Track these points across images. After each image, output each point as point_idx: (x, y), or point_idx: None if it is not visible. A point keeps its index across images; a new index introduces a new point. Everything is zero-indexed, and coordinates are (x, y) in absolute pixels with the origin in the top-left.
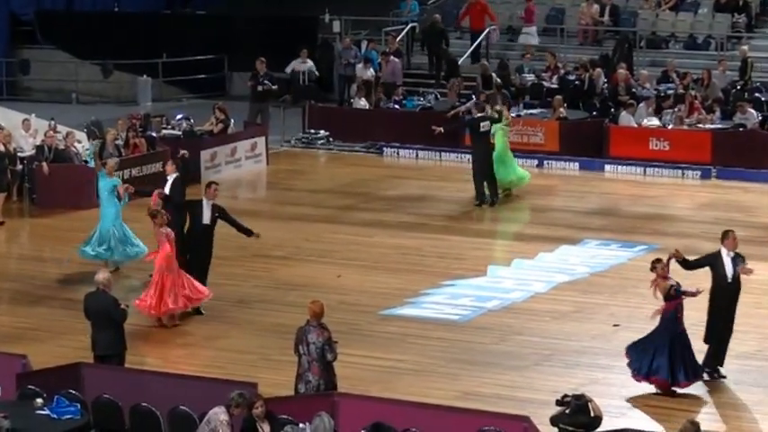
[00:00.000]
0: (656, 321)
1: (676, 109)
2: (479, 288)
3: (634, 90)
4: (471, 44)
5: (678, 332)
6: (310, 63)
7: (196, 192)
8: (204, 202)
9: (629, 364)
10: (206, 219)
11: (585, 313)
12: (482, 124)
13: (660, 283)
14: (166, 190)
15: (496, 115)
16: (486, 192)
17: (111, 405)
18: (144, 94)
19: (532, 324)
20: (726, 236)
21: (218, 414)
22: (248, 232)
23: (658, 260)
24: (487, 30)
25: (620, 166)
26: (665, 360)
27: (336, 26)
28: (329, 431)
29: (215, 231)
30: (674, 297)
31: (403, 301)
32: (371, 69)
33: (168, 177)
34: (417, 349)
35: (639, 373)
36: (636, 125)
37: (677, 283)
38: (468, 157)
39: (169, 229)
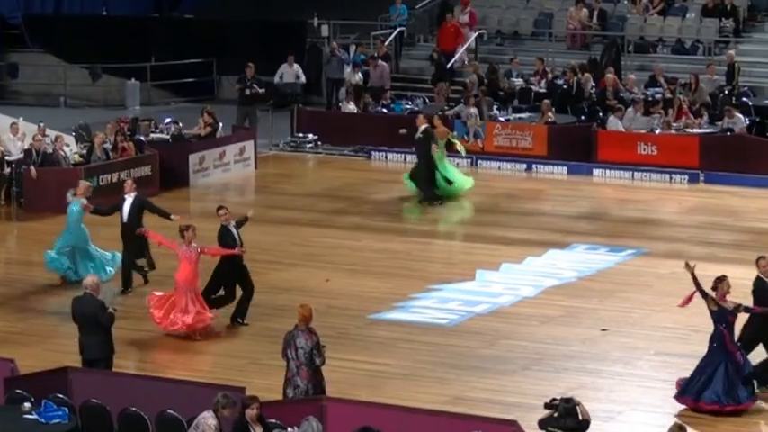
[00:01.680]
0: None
1: (664, 113)
2: (468, 292)
3: (622, 94)
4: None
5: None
6: (297, 67)
7: (184, 195)
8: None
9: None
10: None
11: (574, 317)
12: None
13: (721, 301)
14: (125, 209)
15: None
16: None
17: (100, 409)
18: (132, 98)
19: (521, 328)
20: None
21: (207, 418)
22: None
23: (723, 277)
24: (476, 33)
25: (608, 171)
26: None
27: (325, 30)
28: None
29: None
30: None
31: (391, 306)
32: (360, 74)
33: (127, 197)
34: (406, 353)
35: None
36: (624, 130)
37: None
38: (458, 161)
39: (197, 247)
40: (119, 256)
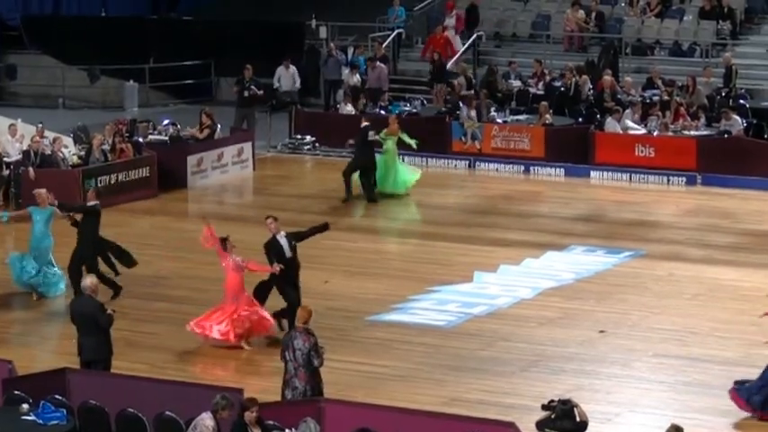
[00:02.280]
0: None
1: (661, 115)
2: (465, 294)
3: (619, 96)
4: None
5: None
6: (293, 70)
7: (182, 196)
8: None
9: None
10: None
11: (571, 319)
12: (369, 133)
13: None
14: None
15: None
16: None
17: (98, 410)
18: (130, 100)
19: (518, 330)
20: None
21: (205, 420)
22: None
23: None
24: (475, 35)
25: (605, 173)
26: None
27: (323, 32)
28: None
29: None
30: None
31: (389, 307)
32: (357, 75)
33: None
34: (403, 355)
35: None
36: (621, 131)
37: None
38: (455, 162)
39: (240, 259)
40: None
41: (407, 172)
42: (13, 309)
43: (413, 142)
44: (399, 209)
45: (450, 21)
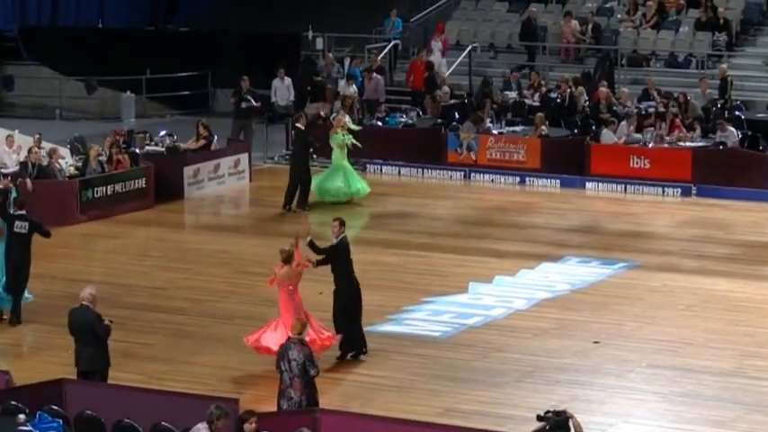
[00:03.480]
0: None
1: (657, 127)
2: (461, 305)
3: (615, 108)
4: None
5: None
6: (288, 81)
7: (179, 207)
8: None
9: None
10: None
11: (566, 330)
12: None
13: None
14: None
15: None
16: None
17: (94, 421)
18: (127, 111)
19: (513, 341)
20: None
21: (201, 430)
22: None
23: None
24: (470, 46)
25: (601, 184)
26: None
27: (319, 43)
28: None
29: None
30: None
31: (384, 318)
32: (354, 86)
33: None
34: (399, 366)
35: None
36: (620, 143)
37: None
38: (451, 173)
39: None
40: None
41: (358, 179)
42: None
43: (355, 128)
44: (395, 220)
45: (437, 44)
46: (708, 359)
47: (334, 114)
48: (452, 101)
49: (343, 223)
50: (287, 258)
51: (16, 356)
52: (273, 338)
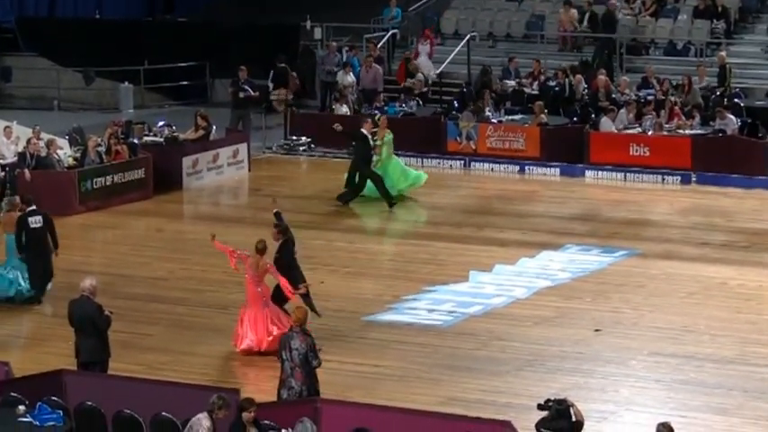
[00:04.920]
0: None
1: (656, 115)
2: (461, 294)
3: (614, 96)
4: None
5: None
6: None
7: (177, 198)
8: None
9: None
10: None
11: (567, 318)
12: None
13: None
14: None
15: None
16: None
17: (94, 412)
18: (126, 101)
19: (514, 329)
20: None
21: (201, 420)
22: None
23: None
24: (468, 36)
25: (600, 172)
26: None
27: (318, 33)
28: None
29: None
30: None
31: (385, 307)
32: (352, 75)
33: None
34: (400, 355)
35: None
36: (616, 131)
37: None
38: (451, 162)
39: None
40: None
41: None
42: (10, 310)
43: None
44: (395, 209)
45: (425, 48)
46: (709, 347)
47: (378, 114)
48: (425, 88)
49: (282, 231)
50: (262, 249)
51: (16, 347)
52: (242, 335)
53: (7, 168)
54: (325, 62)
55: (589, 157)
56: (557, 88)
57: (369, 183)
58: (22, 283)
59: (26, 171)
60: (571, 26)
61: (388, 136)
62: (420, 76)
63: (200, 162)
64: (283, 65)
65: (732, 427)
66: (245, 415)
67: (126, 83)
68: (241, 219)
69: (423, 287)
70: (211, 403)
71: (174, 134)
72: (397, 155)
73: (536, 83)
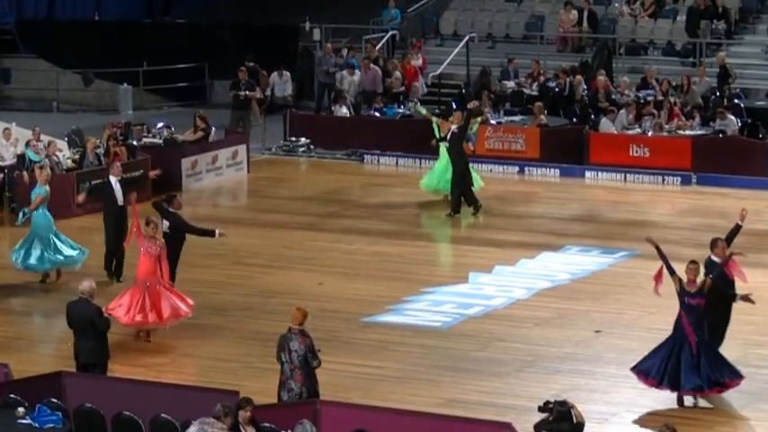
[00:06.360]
0: None
1: (656, 115)
2: (461, 295)
3: (614, 97)
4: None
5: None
6: (287, 76)
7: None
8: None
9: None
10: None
11: (567, 319)
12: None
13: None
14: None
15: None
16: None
17: (94, 414)
18: (125, 103)
19: (514, 330)
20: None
21: (213, 424)
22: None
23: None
24: (468, 36)
25: (600, 173)
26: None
27: (317, 34)
28: None
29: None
30: None
31: (384, 309)
32: (357, 74)
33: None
34: (399, 356)
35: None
36: (616, 132)
37: None
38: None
39: (160, 242)
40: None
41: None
42: (9, 312)
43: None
44: (394, 210)
45: (417, 62)
46: None
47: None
48: (402, 87)
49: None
50: (155, 227)
51: (15, 349)
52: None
53: (6, 170)
54: (322, 63)
55: (589, 158)
56: (556, 89)
57: (448, 182)
58: (63, 254)
59: (25, 173)
60: (571, 27)
61: (475, 126)
62: (397, 74)
63: (199, 163)
64: (252, 64)
65: (734, 429)
66: (242, 414)
67: (125, 84)
68: (240, 220)
69: (422, 288)
70: (216, 411)
71: (173, 135)
72: (395, 156)
73: (535, 84)
